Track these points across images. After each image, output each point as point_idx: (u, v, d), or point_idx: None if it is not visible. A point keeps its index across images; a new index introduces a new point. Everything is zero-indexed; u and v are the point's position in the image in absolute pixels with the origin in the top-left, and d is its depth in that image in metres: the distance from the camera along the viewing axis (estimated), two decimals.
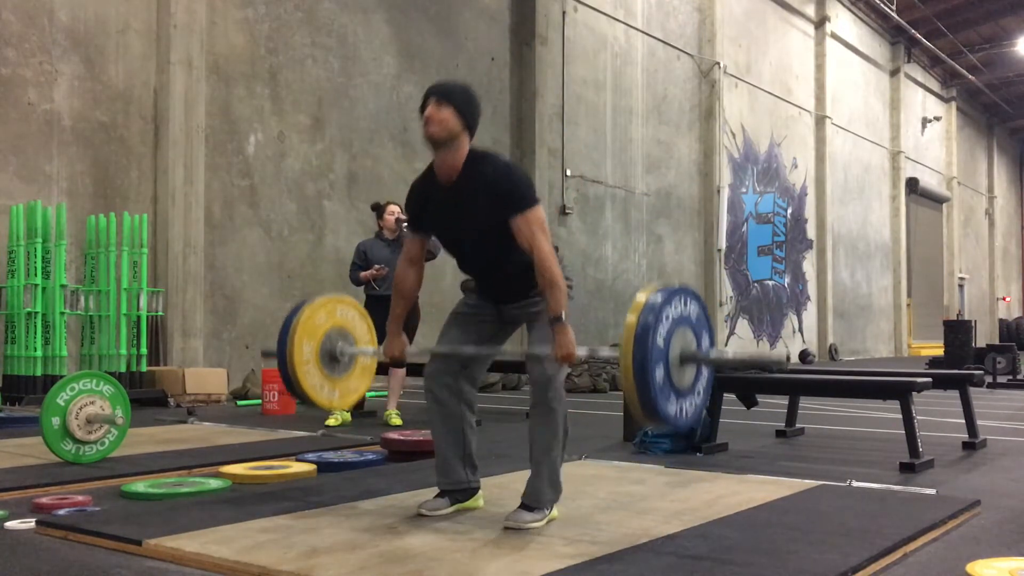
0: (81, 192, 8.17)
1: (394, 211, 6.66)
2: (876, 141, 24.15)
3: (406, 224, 6.54)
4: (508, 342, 3.42)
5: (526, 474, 3.15)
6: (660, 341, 2.66)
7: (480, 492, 3.33)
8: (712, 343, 2.93)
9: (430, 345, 3.38)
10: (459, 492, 3.26)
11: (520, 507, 3.08)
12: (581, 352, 2.94)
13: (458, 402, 3.24)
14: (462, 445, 3.26)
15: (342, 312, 3.62)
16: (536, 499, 3.09)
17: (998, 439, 5.85)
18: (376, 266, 6.49)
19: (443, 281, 9.98)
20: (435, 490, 3.30)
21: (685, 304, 2.80)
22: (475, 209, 3.06)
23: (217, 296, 9.11)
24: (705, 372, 2.92)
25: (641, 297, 2.72)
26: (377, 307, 6.64)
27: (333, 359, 3.49)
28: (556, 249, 3.10)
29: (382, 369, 6.83)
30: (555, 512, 3.14)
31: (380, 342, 6.94)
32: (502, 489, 3.56)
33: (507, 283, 3.20)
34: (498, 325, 3.30)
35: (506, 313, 3.26)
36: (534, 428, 3.14)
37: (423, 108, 3.07)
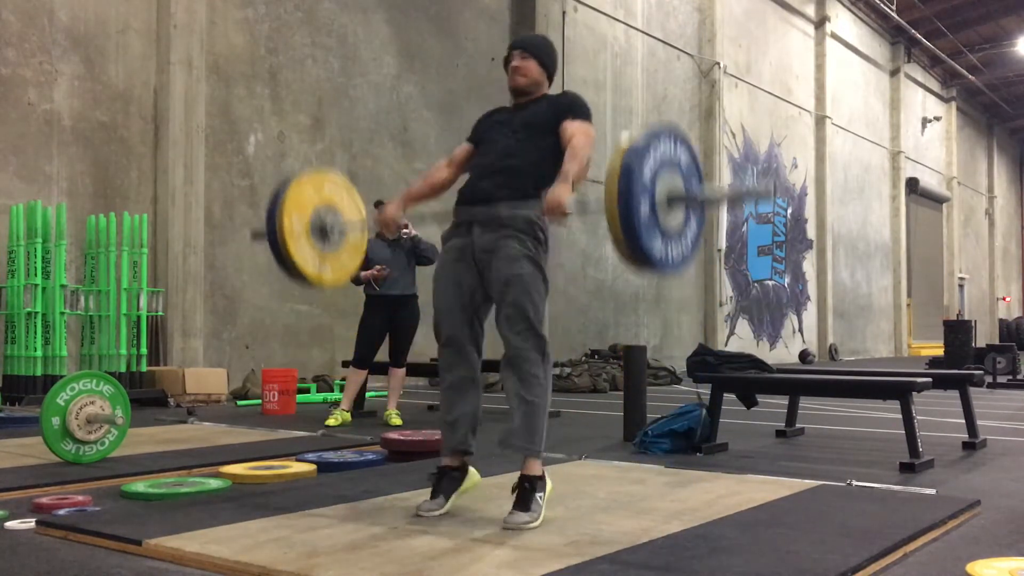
0: (81, 192, 8.17)
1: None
2: (876, 141, 24.15)
3: (406, 233, 6.51)
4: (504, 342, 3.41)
5: None
6: (645, 178, 2.65)
7: (472, 469, 3.32)
8: (699, 175, 2.92)
9: (412, 223, 3.42)
10: (457, 469, 3.26)
11: (514, 508, 3.06)
12: (570, 204, 2.91)
13: (470, 368, 3.27)
14: (471, 412, 3.27)
15: (330, 188, 3.56)
16: (508, 442, 3.09)
17: (998, 439, 5.85)
18: (378, 266, 6.49)
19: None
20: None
21: (672, 146, 2.80)
22: (536, 111, 3.30)
23: (217, 296, 9.11)
24: (694, 218, 2.89)
25: (625, 136, 2.74)
26: (377, 307, 6.66)
27: (324, 233, 3.45)
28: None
29: (382, 369, 6.85)
30: (550, 486, 3.12)
31: (370, 354, 6.93)
32: (502, 489, 3.55)
33: (507, 174, 3.22)
34: (475, 268, 3.25)
35: (479, 241, 3.21)
36: (507, 380, 3.14)
37: (507, 60, 3.37)
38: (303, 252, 3.36)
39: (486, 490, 3.41)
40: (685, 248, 2.84)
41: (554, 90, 3.45)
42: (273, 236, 3.31)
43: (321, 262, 3.43)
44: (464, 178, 3.45)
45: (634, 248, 2.66)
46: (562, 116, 3.24)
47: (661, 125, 2.79)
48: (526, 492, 3.07)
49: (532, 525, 3.00)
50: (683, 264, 2.85)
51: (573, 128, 3.19)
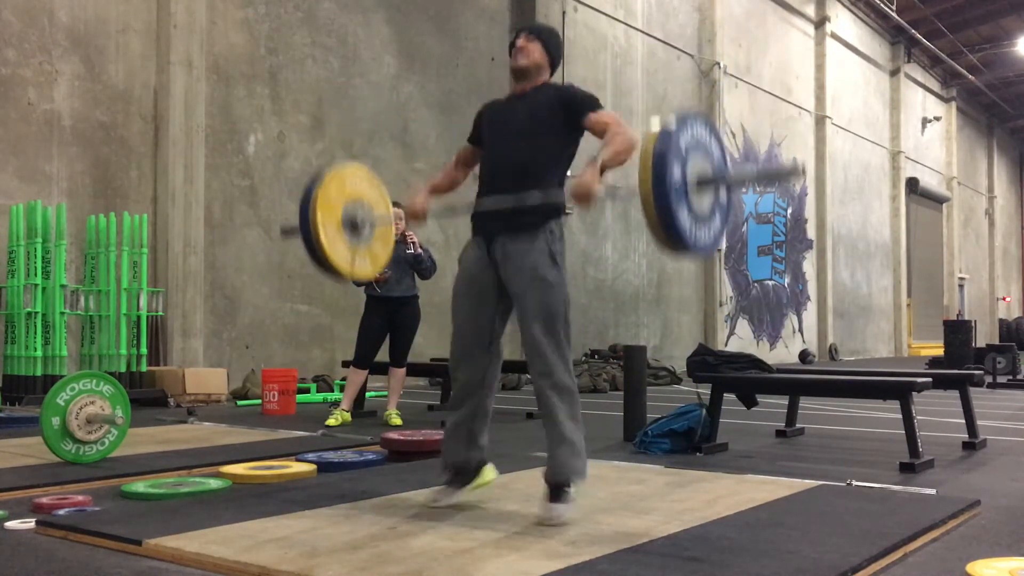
0: (81, 192, 8.17)
1: (398, 215, 6.59)
2: (876, 141, 24.15)
3: (409, 248, 6.44)
4: (507, 343, 3.41)
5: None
6: (677, 161, 2.71)
7: (488, 465, 3.35)
8: (726, 165, 2.97)
9: (445, 218, 3.46)
10: (466, 473, 3.28)
11: (548, 499, 3.08)
12: (600, 190, 2.93)
13: (480, 384, 3.27)
14: (481, 428, 3.29)
15: (355, 182, 3.64)
16: (563, 472, 3.09)
17: (998, 439, 5.85)
18: None
19: (443, 280, 9.96)
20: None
21: (700, 130, 2.86)
22: (540, 105, 3.25)
23: (217, 296, 9.11)
24: (723, 205, 2.95)
25: (655, 121, 2.79)
26: (378, 308, 6.65)
27: (355, 227, 3.52)
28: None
29: (382, 369, 6.85)
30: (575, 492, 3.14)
31: (371, 354, 6.92)
32: (503, 489, 3.56)
33: (522, 173, 3.19)
34: (495, 282, 3.25)
35: (497, 254, 3.21)
36: (545, 409, 3.16)
37: (512, 44, 3.33)
38: (337, 250, 3.43)
39: (487, 490, 3.41)
40: (716, 229, 2.92)
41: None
42: (308, 237, 3.37)
43: (354, 256, 3.50)
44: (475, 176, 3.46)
45: (669, 231, 2.72)
46: (576, 110, 3.20)
47: (690, 111, 2.86)
48: (559, 488, 3.11)
49: (570, 515, 3.04)
50: (715, 245, 2.94)
51: (605, 117, 3.17)
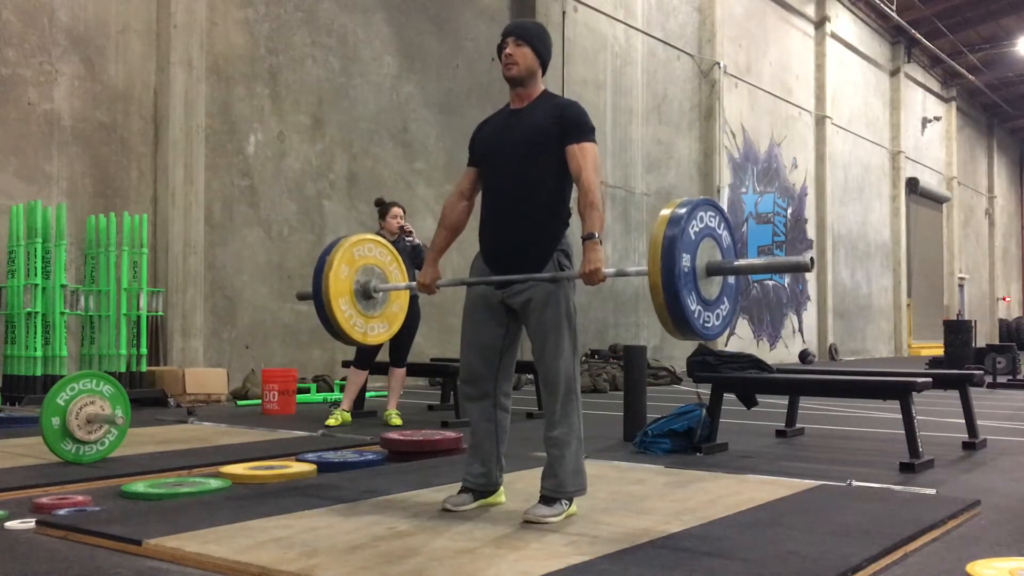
0: (81, 192, 8.17)
1: (397, 214, 6.61)
2: (876, 141, 24.15)
3: (409, 239, 6.50)
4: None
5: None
6: (687, 248, 2.74)
7: (502, 488, 3.37)
8: (736, 254, 3.00)
9: (451, 285, 3.54)
10: (485, 491, 3.30)
11: (539, 501, 3.12)
12: (608, 272, 3.00)
13: (492, 405, 3.30)
14: (495, 447, 3.31)
15: (372, 249, 3.77)
16: (558, 489, 3.12)
17: (998, 439, 5.85)
18: None
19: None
20: (454, 486, 3.35)
21: (709, 216, 2.87)
22: (536, 125, 3.20)
23: (217, 296, 9.11)
24: (731, 288, 2.98)
25: (667, 211, 2.80)
26: None
27: (367, 296, 3.66)
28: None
29: (382, 369, 6.85)
30: (574, 507, 3.17)
31: (371, 354, 6.93)
32: (503, 488, 3.56)
33: (521, 229, 3.19)
34: (505, 316, 3.28)
35: (507, 295, 3.24)
36: (550, 424, 3.18)
37: (501, 48, 3.26)
38: (350, 318, 3.61)
39: None
40: (725, 313, 2.95)
41: (553, 90, 3.43)
42: (320, 305, 3.55)
43: (367, 323, 3.69)
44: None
45: (677, 318, 2.75)
46: (566, 134, 3.15)
47: (700, 198, 2.87)
48: (552, 496, 3.14)
49: (552, 520, 3.04)
50: (724, 329, 2.96)
51: (579, 160, 3.12)
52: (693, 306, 2.76)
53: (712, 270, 2.85)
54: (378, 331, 3.75)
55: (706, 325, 2.83)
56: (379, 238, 3.88)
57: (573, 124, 3.17)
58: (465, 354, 3.32)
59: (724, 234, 2.94)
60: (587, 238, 3.01)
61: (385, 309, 3.76)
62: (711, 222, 2.87)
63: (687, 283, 2.73)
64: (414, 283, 3.50)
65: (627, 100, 14.92)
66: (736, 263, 2.92)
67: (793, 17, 20.04)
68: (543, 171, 3.18)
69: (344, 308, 3.57)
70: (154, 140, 8.65)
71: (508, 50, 3.23)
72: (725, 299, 2.95)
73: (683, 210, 2.78)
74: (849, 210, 22.52)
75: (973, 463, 4.85)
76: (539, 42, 3.27)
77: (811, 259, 2.88)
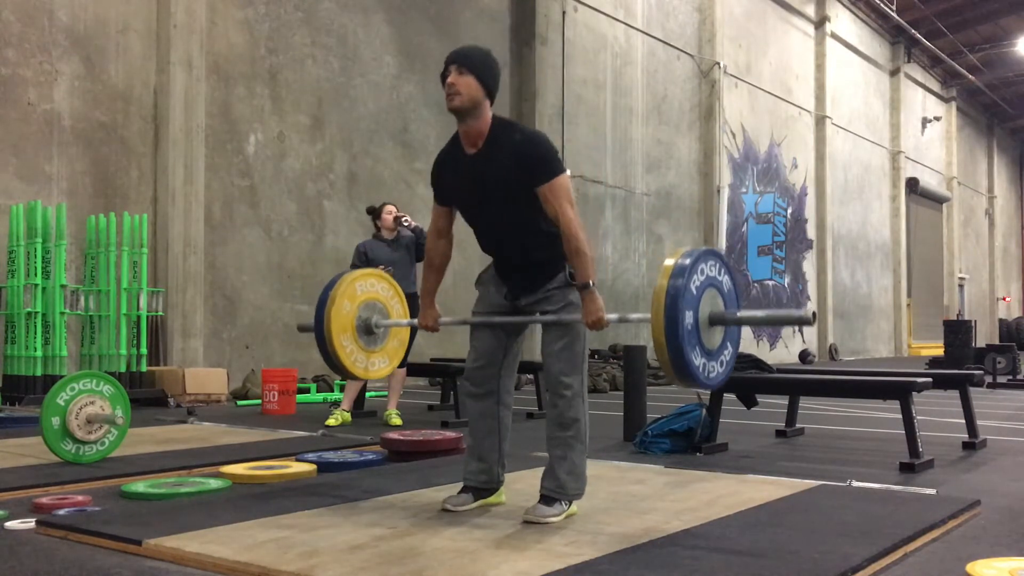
0: (81, 192, 8.17)
1: (391, 210, 6.66)
2: (876, 141, 24.15)
3: (406, 222, 6.59)
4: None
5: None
6: (689, 304, 2.75)
7: (503, 488, 3.37)
8: (738, 305, 3.01)
9: (454, 326, 3.54)
10: (486, 490, 3.30)
11: (540, 500, 3.12)
12: (611, 317, 3.02)
13: (496, 403, 3.30)
14: (497, 444, 3.30)
15: (374, 285, 3.80)
16: (558, 490, 3.12)
17: (998, 439, 5.85)
18: (381, 267, 6.48)
19: (444, 280, 9.96)
20: (455, 486, 3.35)
21: (710, 266, 2.88)
22: (500, 174, 3.06)
23: (217, 296, 9.11)
24: (733, 332, 3.01)
25: (670, 261, 2.81)
26: None
27: (369, 331, 3.69)
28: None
29: None
30: (574, 508, 3.17)
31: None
32: (504, 488, 3.56)
33: (525, 260, 3.19)
34: (512, 311, 3.29)
35: (520, 309, 3.26)
36: (552, 423, 3.21)
37: (444, 75, 3.08)
38: (350, 353, 3.65)
39: None
40: (727, 360, 2.99)
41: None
42: (321, 340, 3.58)
43: (367, 359, 3.73)
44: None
45: (682, 373, 2.77)
46: (533, 177, 3.01)
47: (702, 249, 2.89)
48: (553, 496, 3.14)
49: (553, 520, 3.04)
50: (725, 376, 2.99)
51: (554, 202, 3.00)
52: (697, 360, 2.79)
53: (715, 320, 2.88)
54: (379, 366, 3.79)
55: (709, 376, 2.87)
56: (382, 272, 3.92)
57: (536, 163, 3.02)
58: (473, 347, 3.32)
59: (725, 279, 2.95)
60: (583, 288, 3.01)
61: (386, 344, 3.81)
62: (711, 271, 2.87)
63: (690, 340, 2.75)
64: (415, 320, 3.53)
65: (627, 100, 14.92)
66: (738, 314, 2.95)
67: (793, 17, 20.04)
68: (525, 208, 3.09)
69: (346, 344, 3.60)
70: (154, 140, 8.65)
71: (451, 79, 3.03)
72: (728, 344, 2.99)
73: (687, 261, 2.79)
74: (849, 210, 22.52)
75: (973, 463, 4.85)
76: (484, 70, 3.05)
77: (813, 313, 2.92)
